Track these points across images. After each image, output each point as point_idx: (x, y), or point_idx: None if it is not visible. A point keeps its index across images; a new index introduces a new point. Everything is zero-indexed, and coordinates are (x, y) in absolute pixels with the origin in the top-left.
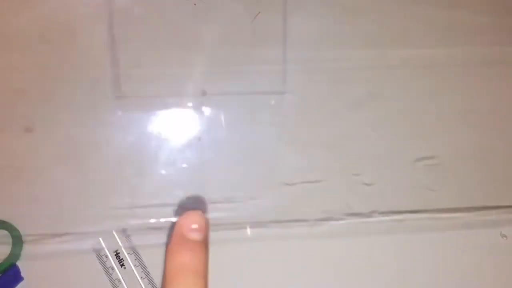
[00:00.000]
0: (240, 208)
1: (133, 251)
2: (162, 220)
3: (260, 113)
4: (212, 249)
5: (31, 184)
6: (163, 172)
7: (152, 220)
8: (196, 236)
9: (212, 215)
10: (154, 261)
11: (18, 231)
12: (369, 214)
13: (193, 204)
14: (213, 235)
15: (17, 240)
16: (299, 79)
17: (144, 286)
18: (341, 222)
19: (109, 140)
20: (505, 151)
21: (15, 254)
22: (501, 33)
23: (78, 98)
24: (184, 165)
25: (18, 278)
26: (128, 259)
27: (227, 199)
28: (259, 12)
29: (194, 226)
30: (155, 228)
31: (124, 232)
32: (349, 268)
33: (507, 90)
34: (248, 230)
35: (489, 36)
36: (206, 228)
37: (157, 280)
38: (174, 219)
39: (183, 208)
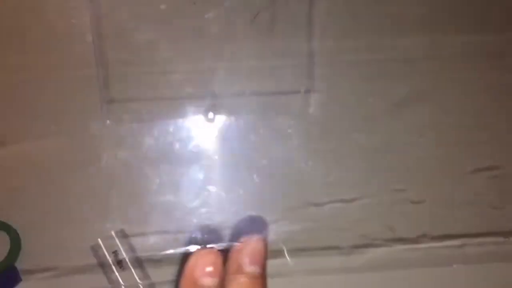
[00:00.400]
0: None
1: (132, 251)
2: (165, 252)
3: (281, 118)
4: None
5: (2, 209)
6: (163, 194)
7: (152, 253)
8: (210, 282)
9: (220, 244)
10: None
11: (17, 232)
12: (417, 239)
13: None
14: None
15: (16, 241)
16: (328, 75)
17: (143, 287)
18: (382, 249)
19: (96, 156)
20: None
21: (13, 255)
22: None
23: (58, 105)
24: (189, 185)
25: (16, 279)
26: (127, 260)
27: None
28: (259, 12)
29: (209, 269)
30: (156, 261)
31: (122, 232)
32: None
33: None
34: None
35: None
36: (222, 269)
37: (156, 280)
38: (181, 250)
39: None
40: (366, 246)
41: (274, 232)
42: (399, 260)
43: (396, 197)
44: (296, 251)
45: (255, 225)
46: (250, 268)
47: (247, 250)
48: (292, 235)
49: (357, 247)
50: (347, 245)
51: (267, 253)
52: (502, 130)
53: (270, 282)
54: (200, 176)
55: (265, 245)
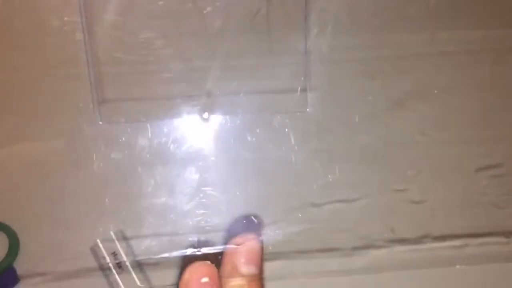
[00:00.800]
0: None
1: (131, 254)
2: (160, 255)
3: (278, 117)
4: None
5: None
6: (158, 196)
7: (147, 256)
8: None
9: (218, 246)
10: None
11: (15, 232)
12: (418, 240)
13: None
14: None
15: (14, 242)
16: (326, 73)
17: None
18: (383, 250)
19: (89, 157)
20: None
21: (11, 255)
22: None
23: (49, 105)
24: (184, 186)
25: (14, 279)
26: (127, 262)
27: None
28: (260, 10)
29: (205, 280)
30: (151, 264)
31: (122, 233)
32: None
33: None
34: (266, 263)
35: None
36: (218, 279)
37: (155, 281)
38: (177, 253)
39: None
40: (366, 247)
41: (272, 234)
42: (401, 261)
43: (397, 197)
44: (295, 253)
45: (250, 225)
46: (246, 268)
47: (243, 249)
48: (291, 236)
49: (357, 248)
50: (348, 246)
51: (263, 253)
52: (505, 128)
53: (268, 285)
54: (196, 177)
55: (261, 244)
